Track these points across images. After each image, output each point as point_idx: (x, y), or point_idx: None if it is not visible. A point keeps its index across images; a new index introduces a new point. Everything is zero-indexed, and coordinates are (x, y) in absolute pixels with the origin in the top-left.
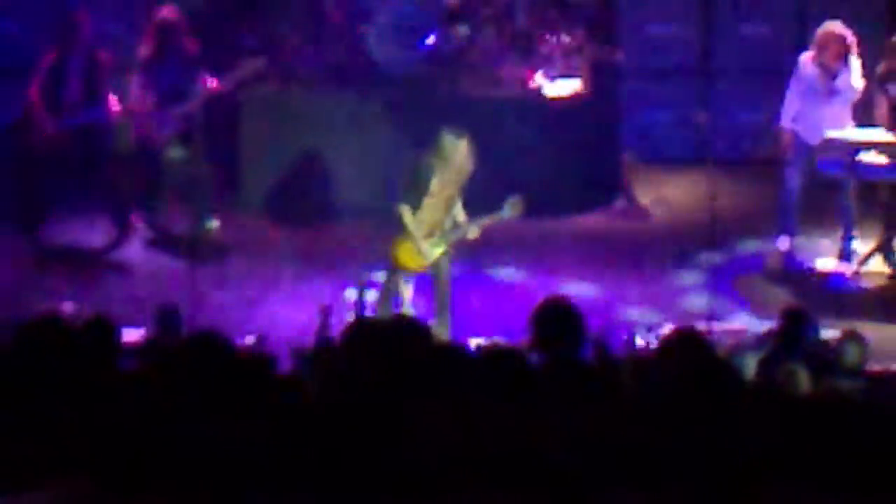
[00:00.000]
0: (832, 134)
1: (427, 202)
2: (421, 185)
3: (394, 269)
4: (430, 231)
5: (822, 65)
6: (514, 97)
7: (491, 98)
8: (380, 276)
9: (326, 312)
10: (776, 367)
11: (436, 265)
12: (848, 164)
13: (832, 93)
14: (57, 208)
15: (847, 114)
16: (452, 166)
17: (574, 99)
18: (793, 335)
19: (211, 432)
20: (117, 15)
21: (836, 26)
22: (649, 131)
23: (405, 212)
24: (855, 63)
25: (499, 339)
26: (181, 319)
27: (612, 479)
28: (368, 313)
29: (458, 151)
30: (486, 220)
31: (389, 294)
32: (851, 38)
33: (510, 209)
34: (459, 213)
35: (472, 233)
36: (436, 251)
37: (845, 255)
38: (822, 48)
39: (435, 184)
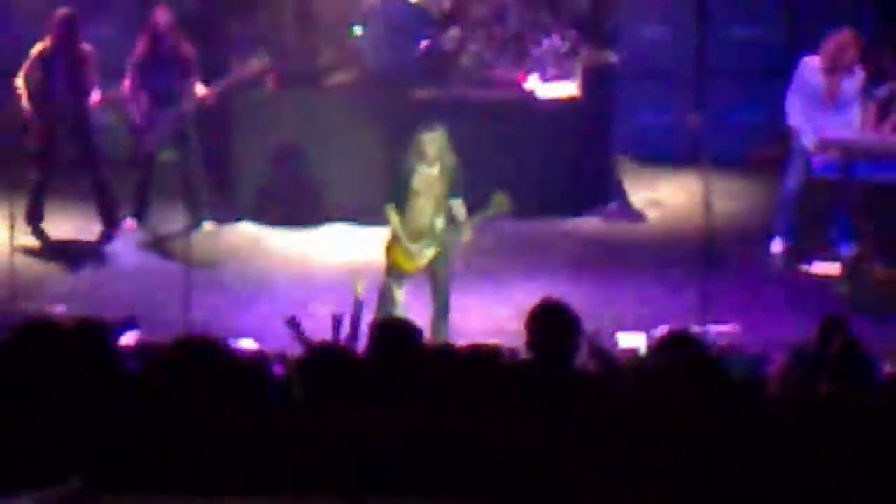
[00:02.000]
0: (826, 135)
1: (414, 203)
2: (404, 186)
3: (389, 272)
4: (420, 232)
5: (830, 73)
6: (508, 100)
7: (484, 101)
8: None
9: (295, 324)
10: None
11: (432, 268)
12: (842, 166)
13: (839, 102)
14: (50, 202)
15: (850, 124)
16: (432, 162)
17: (567, 101)
18: (832, 341)
19: (204, 433)
20: (111, 18)
21: (848, 35)
22: (643, 133)
23: (391, 213)
24: (860, 73)
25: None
26: None
27: (598, 478)
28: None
29: (433, 146)
30: (476, 220)
31: (388, 298)
32: (859, 47)
33: (498, 206)
34: (458, 212)
35: (465, 235)
36: (427, 253)
37: (837, 257)
38: (833, 57)
39: (418, 182)
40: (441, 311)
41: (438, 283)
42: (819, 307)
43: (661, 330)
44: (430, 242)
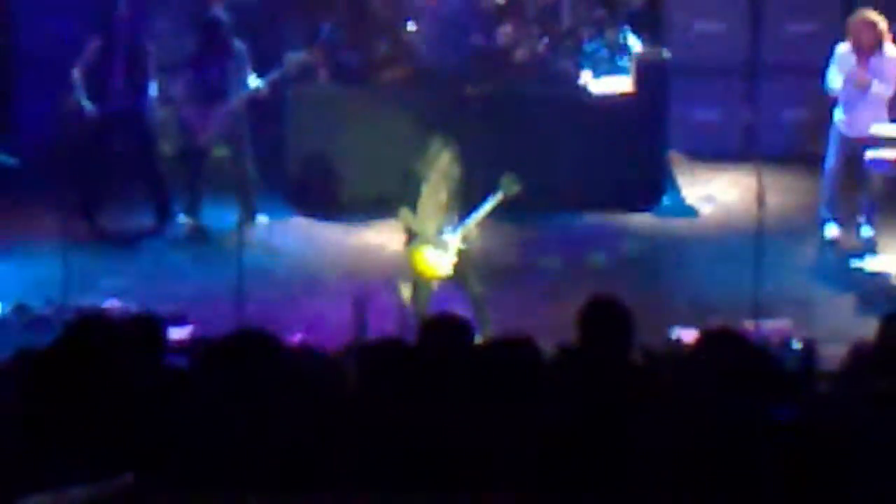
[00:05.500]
0: (879, 131)
1: (421, 207)
2: (413, 189)
3: (415, 280)
4: (439, 232)
5: (856, 52)
6: (561, 95)
7: (537, 96)
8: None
9: (361, 306)
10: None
11: (458, 267)
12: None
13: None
14: (105, 195)
15: (883, 103)
16: (436, 171)
17: (621, 97)
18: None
19: (257, 428)
20: (165, 13)
21: (868, 13)
22: (696, 129)
23: (407, 216)
24: (891, 50)
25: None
26: None
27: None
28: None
29: (441, 157)
30: (486, 209)
31: (420, 305)
32: (884, 25)
33: (506, 188)
34: (454, 220)
35: (473, 234)
36: (453, 244)
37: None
38: (855, 36)
39: (426, 188)
40: (480, 306)
41: (468, 279)
42: (873, 302)
43: (708, 326)
44: (450, 235)
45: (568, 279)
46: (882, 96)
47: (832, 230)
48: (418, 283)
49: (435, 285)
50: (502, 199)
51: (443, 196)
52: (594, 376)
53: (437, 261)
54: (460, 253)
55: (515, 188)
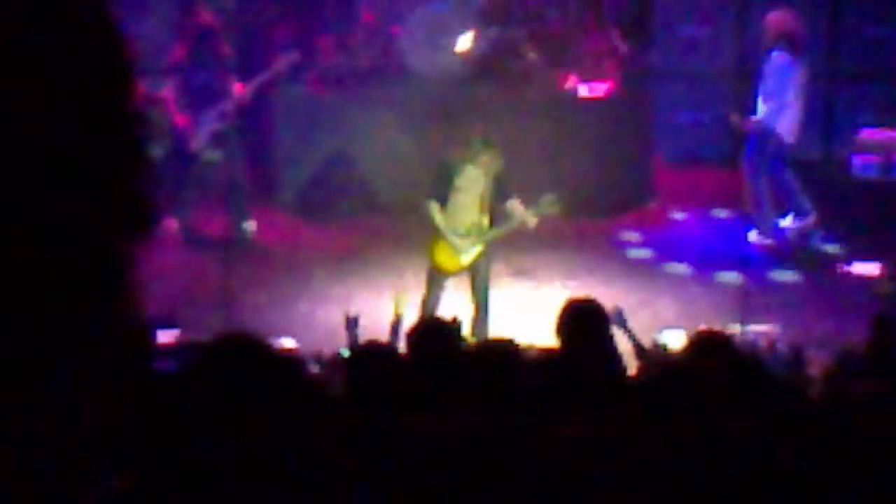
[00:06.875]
0: (867, 135)
1: (456, 200)
2: (447, 182)
3: (431, 270)
4: (468, 231)
5: (763, 48)
6: (547, 99)
7: (523, 100)
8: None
9: (352, 323)
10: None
11: (474, 267)
12: (882, 166)
13: (760, 74)
14: None
15: (765, 102)
16: (478, 164)
17: (607, 101)
18: (883, 344)
19: (243, 432)
20: (150, 16)
21: (775, 14)
22: (682, 133)
23: (433, 207)
24: (775, 53)
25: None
26: None
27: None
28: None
29: (485, 153)
30: (519, 223)
31: (430, 297)
32: (787, 26)
33: (544, 207)
34: (517, 211)
35: (531, 222)
36: (473, 250)
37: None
38: (764, 33)
39: (462, 180)
40: (481, 310)
41: (479, 282)
42: (859, 308)
43: (694, 330)
44: (476, 241)
45: (555, 282)
46: (765, 93)
47: (785, 220)
48: (432, 276)
49: (448, 281)
50: (539, 218)
51: (480, 189)
52: (574, 379)
53: (458, 256)
54: (479, 255)
55: (555, 208)
